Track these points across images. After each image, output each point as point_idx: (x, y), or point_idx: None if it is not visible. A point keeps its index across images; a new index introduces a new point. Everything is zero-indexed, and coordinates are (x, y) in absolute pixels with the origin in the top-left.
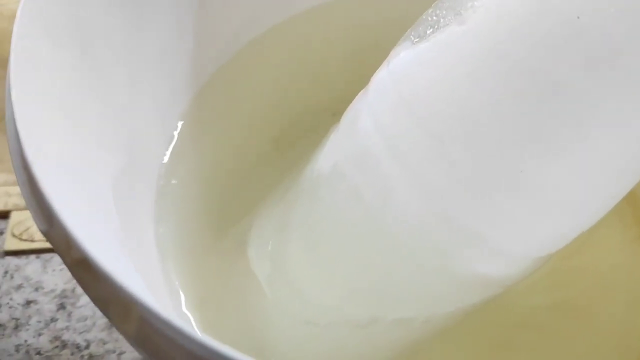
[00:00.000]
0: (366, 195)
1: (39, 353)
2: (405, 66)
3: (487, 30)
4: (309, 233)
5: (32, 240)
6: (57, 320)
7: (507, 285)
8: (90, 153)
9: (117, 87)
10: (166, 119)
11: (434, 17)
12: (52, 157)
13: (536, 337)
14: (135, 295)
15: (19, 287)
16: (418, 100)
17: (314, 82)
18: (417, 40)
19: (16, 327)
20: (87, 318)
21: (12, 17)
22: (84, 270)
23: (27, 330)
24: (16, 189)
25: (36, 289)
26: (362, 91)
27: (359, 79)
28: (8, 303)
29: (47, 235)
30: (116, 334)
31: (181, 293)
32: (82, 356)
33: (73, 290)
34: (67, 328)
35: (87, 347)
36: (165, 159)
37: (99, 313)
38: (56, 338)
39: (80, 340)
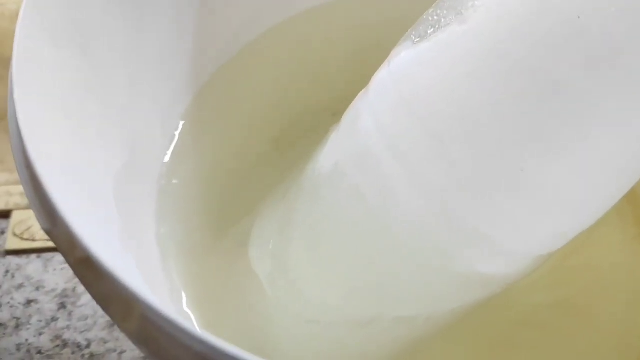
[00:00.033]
0: (367, 194)
1: (40, 352)
2: (406, 66)
3: (488, 30)
4: (310, 232)
5: (33, 240)
6: (58, 319)
7: (508, 284)
8: (92, 153)
9: (117, 88)
10: (167, 119)
11: (435, 17)
12: (55, 156)
13: (537, 335)
14: (138, 293)
15: (20, 286)
16: (418, 100)
17: (314, 82)
18: (418, 40)
19: (17, 327)
20: (87, 317)
21: (13, 17)
22: (87, 268)
23: (28, 329)
24: (17, 189)
25: (37, 289)
26: (362, 91)
27: (359, 79)
28: (9, 302)
29: (50, 234)
30: (117, 333)
31: (182, 292)
32: (83, 355)
33: (74, 290)
34: (68, 327)
35: (88, 346)
36: (167, 158)
37: (99, 312)
38: (57, 337)
39: (81, 339)
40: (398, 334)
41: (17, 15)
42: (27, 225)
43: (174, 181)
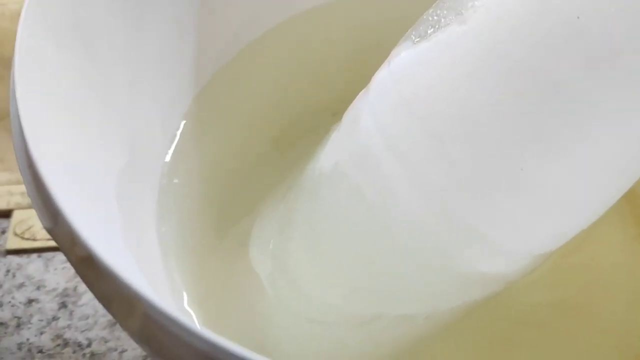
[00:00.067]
0: (367, 194)
1: (40, 351)
2: (406, 66)
3: (488, 30)
4: (310, 232)
5: (34, 239)
6: (58, 318)
7: (508, 283)
8: (93, 152)
9: (118, 87)
10: (167, 118)
11: (435, 17)
12: (57, 155)
13: (537, 334)
14: (140, 291)
15: (21, 285)
16: (418, 100)
17: (314, 82)
18: (418, 40)
19: (18, 326)
20: (88, 316)
21: (14, 17)
22: (89, 267)
23: (29, 328)
24: (18, 188)
25: (38, 288)
26: (363, 91)
27: (360, 79)
28: (10, 302)
29: (51, 232)
30: (118, 332)
31: (183, 291)
32: (84, 354)
33: (75, 289)
34: (68, 326)
35: (89, 345)
36: (168, 158)
37: (100, 311)
38: (58, 336)
39: (81, 338)
40: (398, 333)
41: (17, 15)
42: (27, 225)
43: (175, 180)
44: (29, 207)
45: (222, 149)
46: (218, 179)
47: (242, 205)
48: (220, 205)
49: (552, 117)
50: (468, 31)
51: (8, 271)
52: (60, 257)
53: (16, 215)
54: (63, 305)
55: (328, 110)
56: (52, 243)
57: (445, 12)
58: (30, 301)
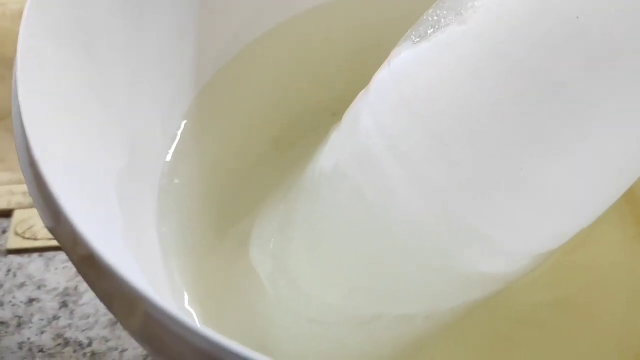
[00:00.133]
0: (367, 194)
1: (41, 351)
2: (406, 66)
3: (488, 31)
4: (311, 232)
5: (35, 239)
6: (59, 318)
7: (508, 283)
8: (94, 152)
9: (118, 87)
10: (168, 118)
11: (435, 17)
12: (58, 155)
13: (537, 334)
14: (141, 290)
15: (22, 285)
16: (419, 101)
17: (314, 82)
18: (418, 40)
19: (19, 325)
20: (89, 316)
21: (14, 17)
22: (90, 266)
23: (30, 328)
24: (19, 188)
25: (39, 287)
26: (363, 91)
27: (360, 79)
28: (11, 301)
29: (53, 232)
30: (119, 332)
31: (184, 291)
32: (85, 354)
33: (75, 289)
34: (69, 326)
35: (90, 344)
36: (168, 157)
37: (101, 311)
38: (59, 336)
39: (82, 338)
40: (398, 333)
41: (18, 15)
42: (29, 225)
43: (176, 181)
44: (30, 206)
45: (223, 149)
46: (218, 179)
47: (242, 205)
48: (220, 205)
49: (552, 118)
50: (468, 31)
51: (9, 271)
52: (61, 256)
53: (17, 215)
54: (64, 304)
55: (328, 111)
56: (53, 243)
57: (445, 12)
58: (31, 300)
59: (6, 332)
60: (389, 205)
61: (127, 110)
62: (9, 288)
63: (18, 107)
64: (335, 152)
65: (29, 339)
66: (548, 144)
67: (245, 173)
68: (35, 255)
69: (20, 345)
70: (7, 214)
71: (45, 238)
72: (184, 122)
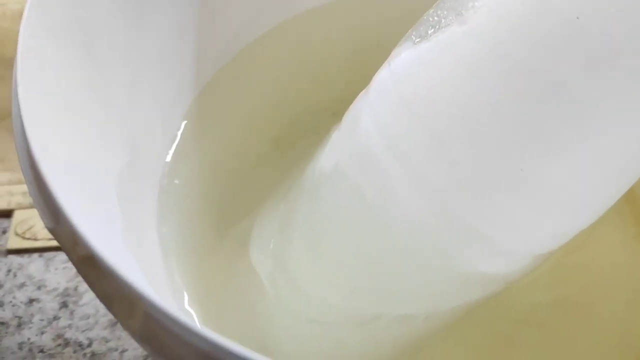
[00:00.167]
0: (367, 194)
1: (41, 351)
2: (406, 66)
3: (488, 31)
4: (311, 232)
5: (35, 239)
6: (59, 318)
7: (508, 283)
8: (94, 152)
9: (118, 87)
10: (168, 118)
11: (435, 18)
12: (58, 155)
13: (537, 334)
14: (141, 291)
15: (22, 285)
16: (419, 101)
17: (314, 82)
18: (418, 40)
19: (19, 325)
20: (89, 316)
21: (14, 17)
22: (90, 266)
23: (30, 328)
24: (19, 188)
25: (39, 288)
26: (363, 91)
27: (360, 79)
28: (11, 301)
29: (53, 232)
30: (119, 332)
31: (184, 291)
32: (85, 354)
33: (75, 289)
34: (69, 326)
35: (90, 345)
36: (169, 158)
37: (101, 311)
38: (59, 336)
39: (82, 338)
40: (398, 333)
41: (18, 15)
42: (28, 225)
43: (176, 181)
44: (30, 207)
45: (223, 149)
46: (218, 179)
47: (242, 205)
48: (220, 205)
49: (552, 118)
50: (468, 32)
51: (9, 271)
52: (61, 257)
53: (17, 215)
54: (64, 304)
55: (328, 111)
56: (53, 243)
57: (445, 12)
58: (31, 301)
59: (6, 332)
60: (389, 205)
61: (127, 110)
62: (9, 288)
63: (18, 107)
64: (335, 152)
65: (29, 339)
66: (548, 144)
67: (245, 173)
68: (35, 256)
69: (20, 346)
70: (7, 214)
71: (45, 238)
72: (184, 122)
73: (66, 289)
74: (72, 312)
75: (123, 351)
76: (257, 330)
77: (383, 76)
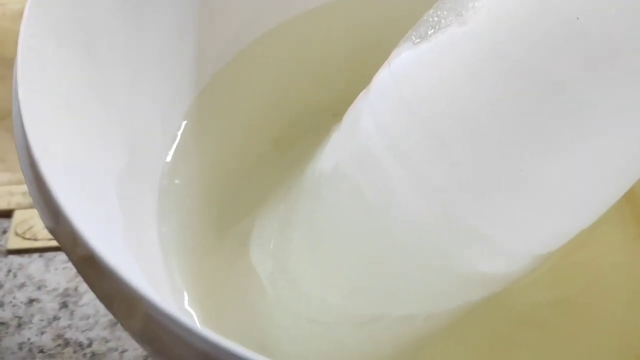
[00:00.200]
0: (368, 195)
1: (41, 351)
2: (406, 67)
3: (488, 31)
4: (311, 232)
5: (35, 239)
6: (59, 318)
7: (508, 283)
8: (95, 152)
9: (118, 87)
10: (168, 118)
11: (435, 18)
12: (58, 155)
13: (537, 334)
14: (141, 291)
15: (22, 285)
16: (419, 101)
17: (314, 82)
18: (418, 40)
19: (19, 326)
20: (89, 316)
21: (15, 17)
22: (90, 267)
23: (30, 328)
24: (19, 188)
25: (39, 288)
26: (363, 91)
27: (360, 79)
28: (11, 301)
29: (53, 232)
30: (119, 332)
31: (184, 291)
32: (85, 354)
33: (75, 289)
34: (69, 326)
35: (90, 345)
36: (169, 158)
37: (101, 311)
38: (59, 336)
39: (82, 338)
40: (398, 333)
41: (18, 15)
42: (29, 225)
43: (176, 181)
44: (30, 207)
45: (223, 149)
46: (218, 179)
47: (242, 205)
48: (220, 205)
49: (552, 118)
50: (468, 32)
51: (9, 271)
52: (61, 257)
53: (17, 215)
54: (64, 305)
55: (328, 111)
56: (53, 243)
57: (445, 13)
58: (31, 301)
59: (6, 333)
60: (389, 205)
61: (127, 110)
62: (9, 288)
63: (18, 107)
64: (335, 152)
65: (29, 339)
66: (548, 144)
67: (245, 173)
68: (35, 256)
69: (20, 346)
70: (7, 214)
71: (45, 238)
72: (184, 122)
73: (66, 289)
74: (72, 313)
75: (123, 351)
76: (257, 330)
77: (383, 76)
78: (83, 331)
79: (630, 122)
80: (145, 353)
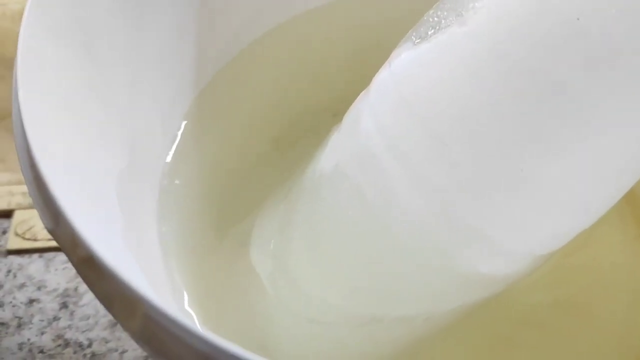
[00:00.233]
0: (368, 195)
1: (41, 351)
2: (406, 67)
3: (488, 31)
4: (311, 232)
5: (35, 239)
6: (59, 319)
7: (508, 284)
8: (95, 152)
9: (118, 87)
10: (168, 119)
11: (435, 18)
12: (58, 156)
13: (537, 334)
14: (141, 292)
15: (22, 286)
16: (419, 101)
17: (314, 82)
18: (418, 41)
19: (19, 326)
20: (89, 317)
21: (15, 17)
22: (90, 268)
23: (30, 328)
24: (19, 188)
25: (39, 288)
26: (363, 92)
27: (360, 80)
28: (11, 302)
29: (53, 233)
30: (118, 333)
31: (184, 291)
32: (85, 355)
33: (75, 289)
34: (69, 327)
35: (90, 345)
36: (169, 158)
37: (101, 312)
38: (59, 337)
39: (82, 338)
40: (398, 333)
41: (18, 15)
42: (29, 225)
43: (176, 181)
44: (30, 207)
45: (223, 149)
46: (218, 179)
47: (242, 205)
48: (220, 205)
49: (552, 118)
50: (468, 32)
51: (9, 271)
52: (61, 257)
53: (17, 216)
54: (64, 305)
55: (328, 111)
56: (53, 243)
57: (445, 13)
58: (31, 301)
59: (6, 333)
60: (389, 205)
61: (127, 110)
62: (9, 289)
63: (18, 107)
64: (335, 152)
65: (28, 339)
66: (548, 144)
67: (245, 173)
68: (35, 256)
69: (20, 346)
70: (7, 214)
71: (45, 238)
72: (184, 122)
73: (66, 289)
74: (72, 313)
75: (123, 352)
76: (257, 330)
77: (383, 77)
78: (83, 331)
79: (630, 122)
80: (145, 354)
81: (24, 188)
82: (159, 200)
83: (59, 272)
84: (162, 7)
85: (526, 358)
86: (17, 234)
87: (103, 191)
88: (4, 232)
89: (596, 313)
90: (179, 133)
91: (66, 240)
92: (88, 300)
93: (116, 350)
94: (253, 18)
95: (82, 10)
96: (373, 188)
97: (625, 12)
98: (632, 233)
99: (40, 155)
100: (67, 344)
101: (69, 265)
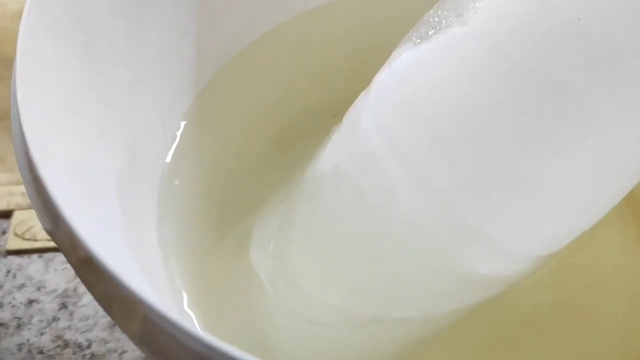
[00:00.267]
0: (368, 195)
1: (41, 352)
2: (407, 67)
3: (488, 31)
4: (311, 232)
5: (35, 240)
6: (59, 319)
7: (508, 285)
8: (94, 153)
9: (118, 87)
10: (168, 119)
11: (436, 18)
12: (58, 157)
13: (537, 336)
14: (140, 294)
15: (22, 286)
16: (419, 101)
17: (314, 82)
18: (418, 41)
19: (18, 326)
20: (88, 317)
21: (14, 17)
22: (89, 269)
23: (30, 329)
24: (19, 189)
25: (38, 289)
26: (363, 92)
27: (360, 80)
28: (10, 302)
29: (52, 234)
30: (118, 333)
31: (183, 292)
32: (84, 355)
33: (75, 290)
34: (69, 327)
35: (89, 346)
36: (168, 158)
37: (100, 312)
38: (58, 337)
39: (82, 339)
40: (398, 334)
41: (18, 15)
42: (28, 225)
43: (176, 181)
44: (29, 207)
45: (223, 149)
46: (218, 179)
47: (242, 205)
48: (220, 206)
49: (552, 118)
50: (469, 32)
51: (8, 272)
52: (60, 257)
53: (17, 216)
54: (63, 306)
55: (328, 111)
56: (53, 244)
57: (446, 13)
58: (30, 302)
59: (5, 334)
60: (389, 205)
61: (127, 110)
62: (8, 289)
63: (17, 108)
64: (335, 152)
65: (28, 340)
66: (548, 144)
67: (245, 173)
68: (34, 256)
69: (20, 347)
70: (6, 214)
71: (44, 239)
72: (184, 122)
73: (66, 290)
74: (71, 313)
75: (122, 352)
76: (257, 330)
77: (384, 77)
78: (82, 332)
79: (631, 123)
80: (144, 355)
81: (24, 188)
82: (158, 200)
83: (59, 273)
84: (162, 7)
85: (526, 359)
86: (16, 235)
87: (103, 191)
88: (4, 233)
89: (597, 314)
90: (179, 133)
91: (65, 242)
92: (87, 301)
93: (115, 351)
94: (253, 18)
95: (82, 10)
96: (373, 188)
97: (625, 12)
98: (632, 235)
99: (40, 156)
100: (66, 344)
101: (69, 265)
